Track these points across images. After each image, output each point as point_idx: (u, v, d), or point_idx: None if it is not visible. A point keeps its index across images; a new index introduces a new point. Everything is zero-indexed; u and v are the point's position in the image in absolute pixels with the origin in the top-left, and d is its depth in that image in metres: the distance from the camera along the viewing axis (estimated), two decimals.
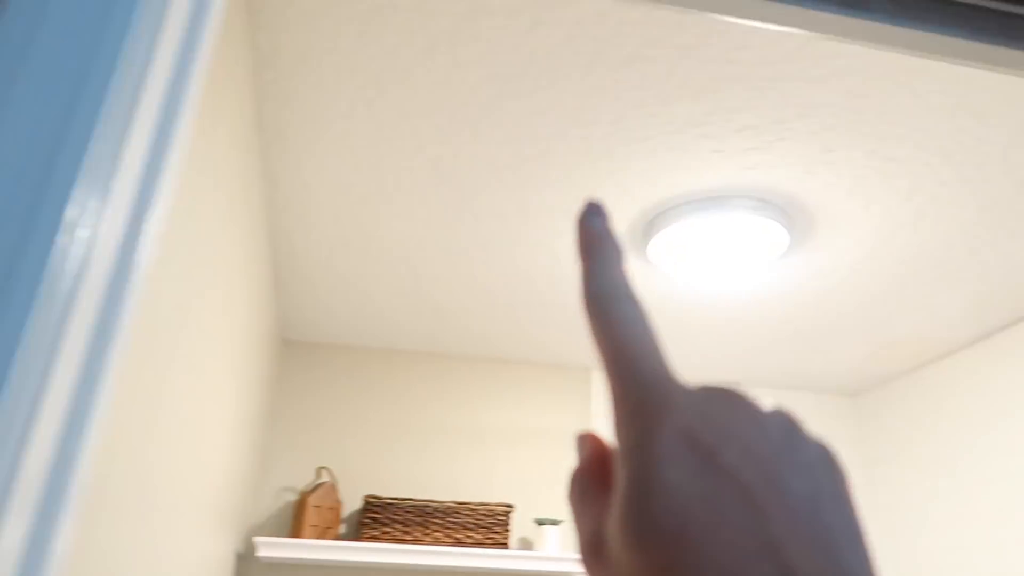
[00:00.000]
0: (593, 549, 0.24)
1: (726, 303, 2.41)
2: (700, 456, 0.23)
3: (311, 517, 2.38)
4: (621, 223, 1.99)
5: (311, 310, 2.53)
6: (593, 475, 0.27)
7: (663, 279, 2.26)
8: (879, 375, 2.98)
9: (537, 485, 2.76)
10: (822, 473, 0.24)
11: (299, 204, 1.94)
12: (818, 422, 3.12)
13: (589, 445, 0.28)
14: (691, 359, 2.85)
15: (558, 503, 2.75)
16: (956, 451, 2.63)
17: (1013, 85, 1.50)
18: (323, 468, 2.48)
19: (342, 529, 2.53)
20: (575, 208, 1.93)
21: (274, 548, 2.31)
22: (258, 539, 2.29)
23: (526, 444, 2.81)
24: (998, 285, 2.25)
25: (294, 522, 2.42)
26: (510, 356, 2.89)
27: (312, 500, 2.39)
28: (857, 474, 3.06)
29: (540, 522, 2.59)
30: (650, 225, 1.98)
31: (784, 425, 0.24)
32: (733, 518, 0.21)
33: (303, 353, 2.74)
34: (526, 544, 2.67)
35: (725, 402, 0.24)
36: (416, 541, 2.45)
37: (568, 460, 2.81)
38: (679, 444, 0.23)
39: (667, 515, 0.22)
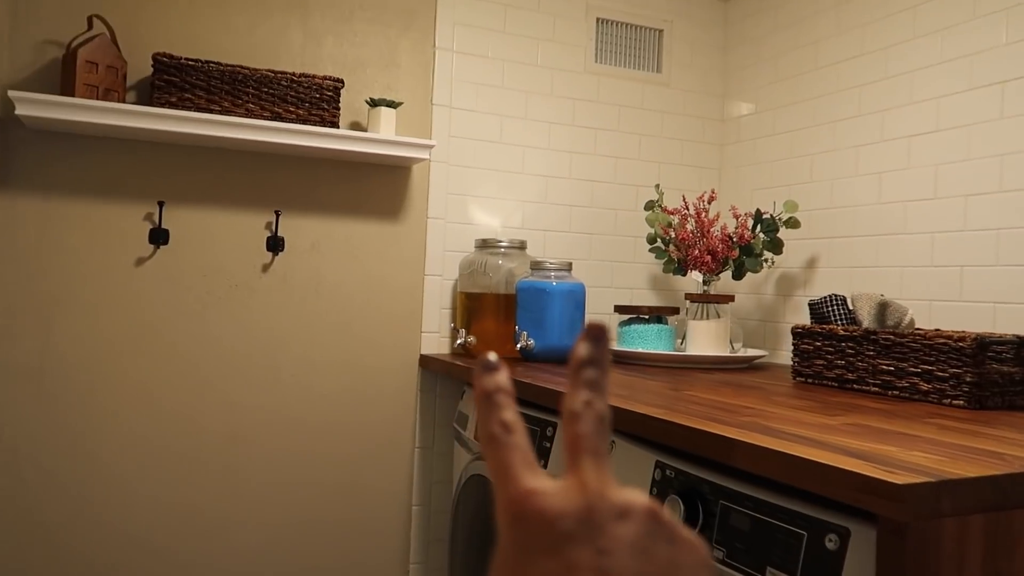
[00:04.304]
0: None
1: None
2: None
3: (85, 75, 1.93)
4: None
5: None
6: None
7: None
8: None
9: (372, 66, 2.40)
10: None
11: None
12: (685, 27, 2.86)
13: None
14: None
15: (393, 86, 2.42)
16: (819, 60, 2.47)
17: None
18: (96, 17, 1.98)
19: (130, 98, 2.11)
20: None
21: (38, 107, 1.88)
22: (15, 94, 1.85)
23: (357, 18, 2.39)
24: None
25: (63, 81, 1.97)
26: None
27: (84, 54, 1.93)
28: (720, 81, 2.90)
29: (373, 103, 2.28)
30: None
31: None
32: None
33: None
34: (357, 128, 2.38)
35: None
36: (225, 111, 2.08)
37: (402, 42, 2.44)
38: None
39: None
